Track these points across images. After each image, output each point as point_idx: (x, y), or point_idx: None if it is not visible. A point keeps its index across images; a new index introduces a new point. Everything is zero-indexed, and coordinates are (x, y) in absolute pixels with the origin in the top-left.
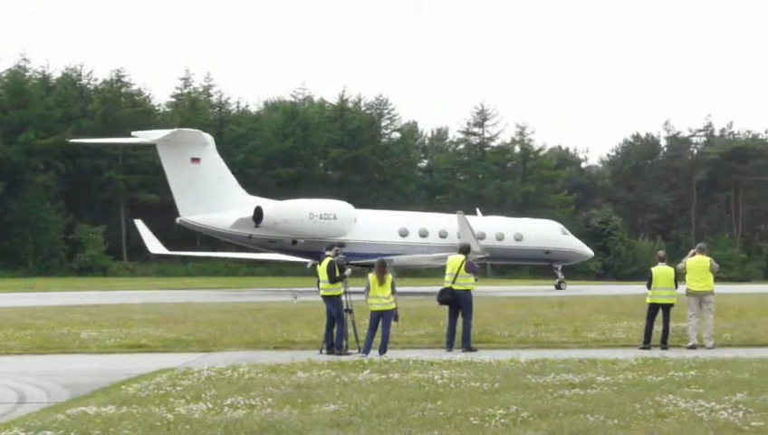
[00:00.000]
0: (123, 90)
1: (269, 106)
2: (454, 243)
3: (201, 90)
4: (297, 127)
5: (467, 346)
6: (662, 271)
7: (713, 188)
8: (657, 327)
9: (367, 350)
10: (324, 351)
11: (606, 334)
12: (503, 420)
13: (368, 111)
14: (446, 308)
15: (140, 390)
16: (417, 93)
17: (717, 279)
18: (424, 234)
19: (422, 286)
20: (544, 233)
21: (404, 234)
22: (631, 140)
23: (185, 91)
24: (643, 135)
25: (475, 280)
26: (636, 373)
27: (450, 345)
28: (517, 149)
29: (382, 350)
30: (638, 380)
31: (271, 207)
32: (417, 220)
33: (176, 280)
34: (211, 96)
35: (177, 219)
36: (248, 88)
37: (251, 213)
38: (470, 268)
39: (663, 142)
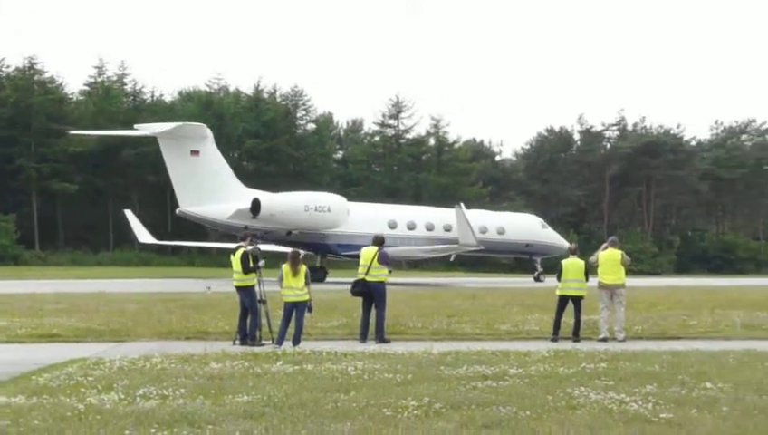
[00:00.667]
0: (36, 77)
1: (184, 96)
2: (440, 235)
3: (115, 78)
4: (212, 117)
5: (381, 338)
6: (572, 263)
7: (625, 182)
8: (569, 320)
9: (280, 341)
10: (238, 342)
11: (518, 327)
12: (415, 412)
13: (283, 102)
14: (359, 300)
15: (51, 380)
16: (332, 85)
17: (628, 272)
18: (411, 226)
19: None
20: (525, 226)
21: (392, 226)
22: (545, 134)
23: (98, 79)
24: (557, 129)
25: (389, 271)
26: (548, 365)
27: (364, 337)
28: (432, 141)
29: (296, 341)
30: (549, 372)
31: (268, 199)
32: (405, 213)
33: (88, 270)
34: (125, 85)
35: (177, 210)
36: (163, 77)
37: (248, 205)
38: (383, 260)
39: (576, 136)
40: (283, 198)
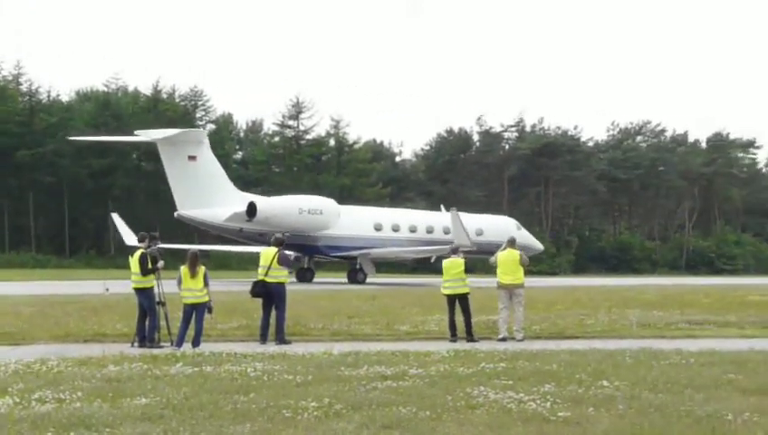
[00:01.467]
0: None
1: (81, 96)
2: (423, 237)
3: (11, 78)
4: (110, 117)
5: (281, 339)
6: (451, 263)
7: (524, 182)
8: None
9: (179, 343)
10: (136, 344)
11: (418, 327)
12: (315, 413)
13: (182, 103)
14: (259, 301)
15: None
16: (231, 85)
17: (527, 272)
18: (396, 228)
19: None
20: (502, 228)
21: (378, 228)
22: (445, 135)
23: None
24: (456, 130)
25: (289, 272)
26: (447, 365)
27: (264, 338)
28: (332, 142)
29: (195, 343)
30: (449, 372)
31: (264, 202)
32: (390, 215)
33: None
34: (21, 85)
35: (175, 213)
36: (60, 77)
37: (244, 208)
38: (283, 261)
39: (476, 137)
40: (278, 201)
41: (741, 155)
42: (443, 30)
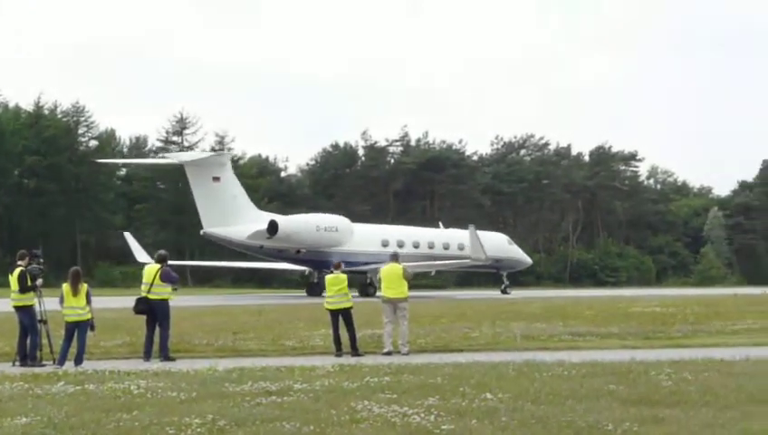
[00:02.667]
0: None
1: None
2: (425, 252)
3: None
4: None
5: (165, 356)
6: (333, 278)
7: (410, 196)
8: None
9: (62, 361)
10: (17, 363)
11: (304, 342)
12: (199, 429)
13: (64, 119)
14: (143, 318)
15: None
16: (115, 101)
17: (412, 286)
18: (401, 244)
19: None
20: (495, 243)
21: (385, 244)
22: (330, 150)
23: None
24: (341, 144)
25: (174, 289)
26: (332, 380)
27: (147, 355)
28: None
29: (78, 361)
30: (334, 386)
31: (285, 220)
32: (397, 232)
33: None
34: None
35: (201, 231)
36: None
37: (265, 226)
38: (166, 278)
39: (361, 152)
40: (297, 219)
41: (623, 168)
42: (326, 41)
